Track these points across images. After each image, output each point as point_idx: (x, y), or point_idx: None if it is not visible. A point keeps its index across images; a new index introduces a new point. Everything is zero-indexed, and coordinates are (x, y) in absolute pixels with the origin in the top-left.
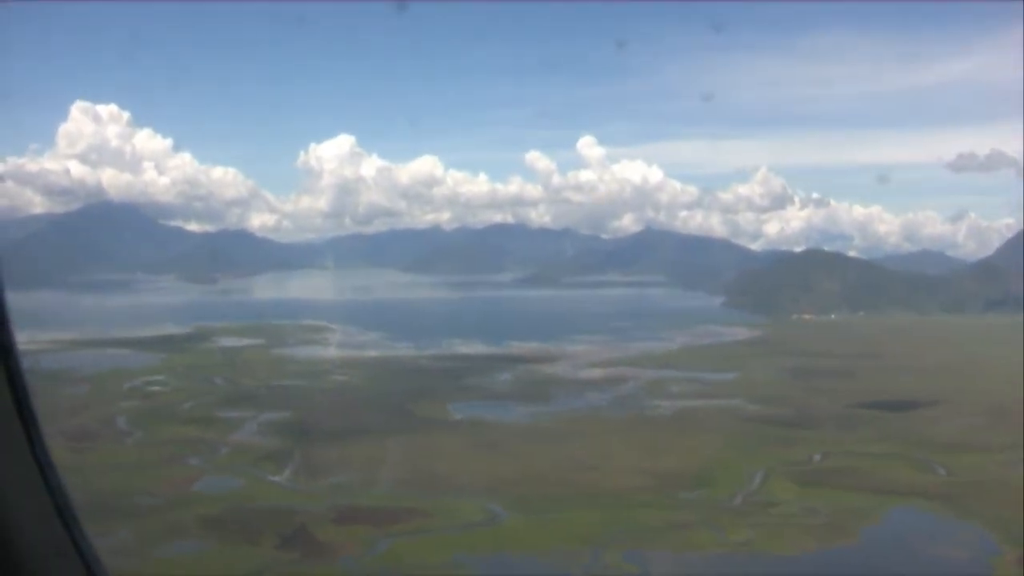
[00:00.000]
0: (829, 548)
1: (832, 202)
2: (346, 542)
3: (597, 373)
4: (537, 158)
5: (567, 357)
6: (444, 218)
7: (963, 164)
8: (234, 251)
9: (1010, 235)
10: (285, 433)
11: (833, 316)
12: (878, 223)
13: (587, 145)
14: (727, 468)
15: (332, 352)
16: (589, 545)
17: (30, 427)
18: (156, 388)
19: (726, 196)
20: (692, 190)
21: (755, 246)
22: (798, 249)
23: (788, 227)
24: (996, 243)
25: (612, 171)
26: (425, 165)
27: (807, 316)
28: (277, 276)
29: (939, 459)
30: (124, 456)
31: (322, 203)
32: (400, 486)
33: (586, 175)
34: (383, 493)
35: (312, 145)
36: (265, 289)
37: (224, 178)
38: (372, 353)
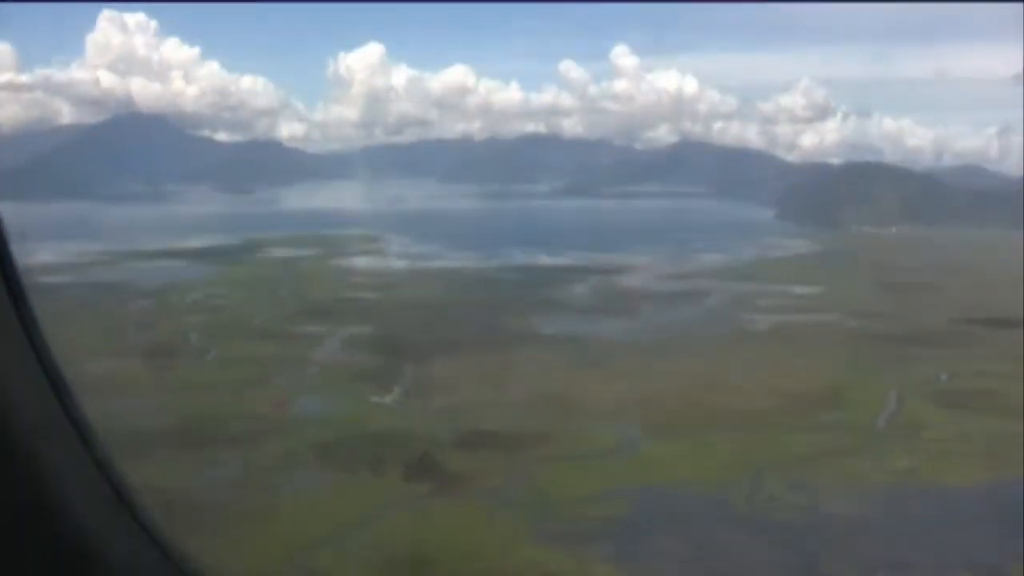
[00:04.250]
0: (998, 480)
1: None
2: (479, 471)
3: (676, 285)
4: (571, 67)
5: (637, 269)
6: (475, 128)
7: None
8: (265, 161)
9: None
10: (373, 350)
11: (894, 230)
12: (909, 136)
13: (621, 54)
14: (856, 388)
15: (393, 263)
16: (744, 473)
17: (19, 299)
18: (220, 301)
19: (767, 107)
20: (731, 100)
21: (791, 158)
22: (834, 161)
23: (825, 139)
24: None
25: (648, 80)
26: (457, 74)
27: (868, 229)
28: (311, 186)
29: None
30: (206, 376)
31: (352, 113)
32: (516, 408)
33: (621, 85)
34: (501, 416)
35: (341, 54)
36: (302, 199)
37: (253, 87)
38: (435, 264)
